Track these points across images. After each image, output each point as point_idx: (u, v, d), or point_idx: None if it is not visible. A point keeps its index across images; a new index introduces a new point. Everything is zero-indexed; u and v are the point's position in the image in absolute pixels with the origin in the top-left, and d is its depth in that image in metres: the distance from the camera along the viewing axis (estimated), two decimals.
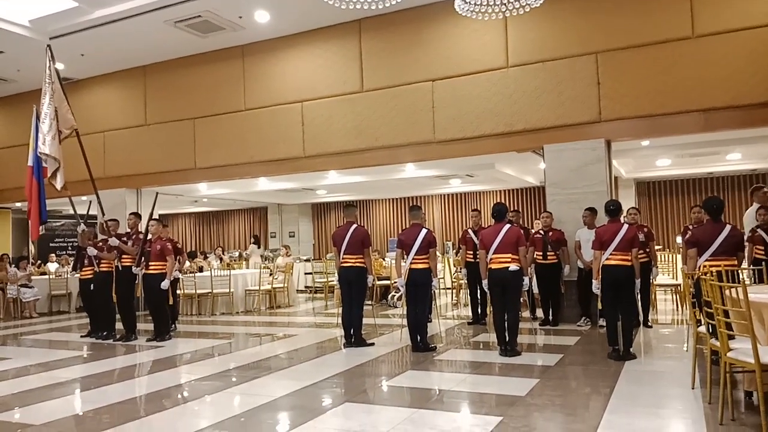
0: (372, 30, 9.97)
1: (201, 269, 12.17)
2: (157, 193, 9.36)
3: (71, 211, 8.95)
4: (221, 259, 13.81)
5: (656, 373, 5.35)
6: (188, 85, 11.55)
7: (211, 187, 13.45)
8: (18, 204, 14.91)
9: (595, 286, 6.11)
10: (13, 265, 12.19)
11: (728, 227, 5.26)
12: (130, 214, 8.93)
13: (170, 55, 11.48)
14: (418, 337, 6.69)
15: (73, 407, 4.96)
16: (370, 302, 10.60)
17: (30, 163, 8.65)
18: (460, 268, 9.62)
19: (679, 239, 11.15)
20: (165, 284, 8.00)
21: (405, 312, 7.00)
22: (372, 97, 9.97)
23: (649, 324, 7.88)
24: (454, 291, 11.92)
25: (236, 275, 11.51)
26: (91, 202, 9.19)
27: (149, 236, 8.17)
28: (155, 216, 8.51)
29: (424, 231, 6.77)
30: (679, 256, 9.14)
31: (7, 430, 4.29)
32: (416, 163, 10.68)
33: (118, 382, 5.86)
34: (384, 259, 12.78)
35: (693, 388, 4.65)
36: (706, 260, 5.19)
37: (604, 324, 6.47)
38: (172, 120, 11.71)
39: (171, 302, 8.54)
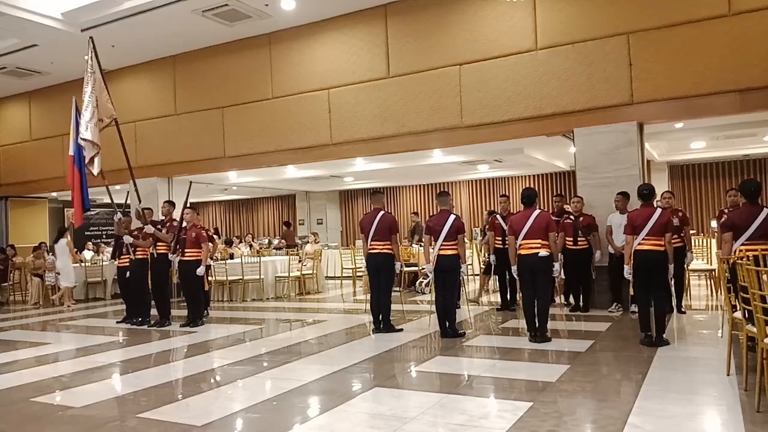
0: (398, 15, 9.90)
1: (232, 256, 12.35)
2: (191, 182, 9.50)
3: (106, 200, 9.16)
4: (251, 246, 13.98)
5: (690, 360, 5.27)
6: (216, 74, 11.66)
7: (240, 175, 13.59)
8: (54, 194, 15.30)
9: (627, 271, 6.02)
10: (51, 254, 12.53)
11: (765, 210, 5.11)
12: (164, 202, 9.10)
13: (198, 44, 11.59)
14: (447, 323, 6.70)
15: (111, 390, 5.09)
16: (398, 288, 10.63)
17: (71, 152, 8.82)
18: (488, 254, 9.57)
19: (714, 223, 10.91)
20: (201, 270, 8.15)
21: (433, 298, 7.00)
22: (398, 82, 9.92)
23: (683, 310, 7.75)
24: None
25: (266, 262, 11.66)
26: (129, 192, 9.37)
27: (184, 224, 8.32)
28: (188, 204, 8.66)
29: (452, 217, 6.74)
30: (714, 241, 8.96)
31: (49, 412, 4.44)
32: (443, 148, 10.63)
33: (153, 366, 6.01)
34: (412, 246, 12.77)
35: (728, 375, 4.57)
36: (743, 244, 5.06)
37: (636, 310, 6.38)
38: (201, 109, 11.85)
39: (207, 288, 8.71)
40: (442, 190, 9.93)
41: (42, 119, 14.09)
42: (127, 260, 8.71)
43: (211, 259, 9.73)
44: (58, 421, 4.21)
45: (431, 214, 11.72)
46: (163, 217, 8.81)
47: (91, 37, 8.77)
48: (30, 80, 13.37)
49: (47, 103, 13.90)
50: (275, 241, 16.09)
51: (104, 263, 12.73)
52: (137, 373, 5.67)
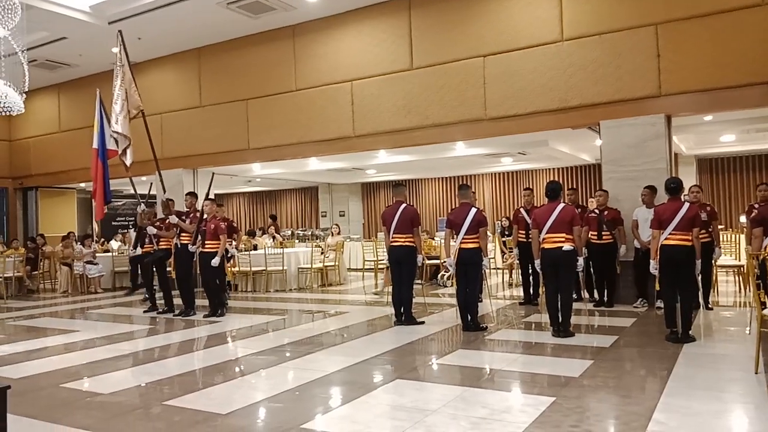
0: (421, 6, 9.84)
1: (255, 247, 12.46)
2: (213, 174, 9.59)
3: (131, 191, 9.29)
4: (274, 238, 14.08)
5: (717, 357, 5.18)
6: (241, 67, 11.73)
7: (264, 167, 13.69)
8: (82, 184, 15.58)
9: (653, 266, 5.93)
10: (79, 243, 12.78)
11: None
12: (187, 194, 9.20)
13: (223, 36, 11.67)
14: (469, 317, 6.68)
15: (138, 378, 5.18)
16: (420, 281, 10.62)
17: (95, 145, 8.97)
18: (511, 248, 9.51)
19: (743, 218, 10.70)
20: (215, 261, 8.16)
21: (455, 291, 6.97)
22: (422, 74, 9.87)
23: (710, 306, 7.62)
24: (506, 271, 11.79)
25: (289, 253, 11.74)
26: (152, 183, 9.49)
27: (205, 216, 8.40)
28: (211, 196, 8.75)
29: (473, 210, 6.71)
30: (743, 236, 8.78)
31: (78, 397, 4.54)
32: (467, 141, 10.56)
33: (178, 355, 6.11)
34: (434, 239, 12.75)
35: (756, 373, 4.48)
36: None
37: (662, 305, 6.29)
38: (225, 101, 11.94)
39: (229, 278, 8.79)
40: (462, 183, 9.88)
41: (71, 111, 14.34)
42: (150, 250, 8.83)
43: (236, 249, 9.83)
44: (86, 406, 4.30)
45: (453, 207, 11.68)
46: (187, 209, 8.91)
47: (120, 31, 8.90)
48: (59, 72, 13.62)
49: (76, 94, 14.14)
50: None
51: (130, 253, 12.91)
52: (162, 361, 5.77)
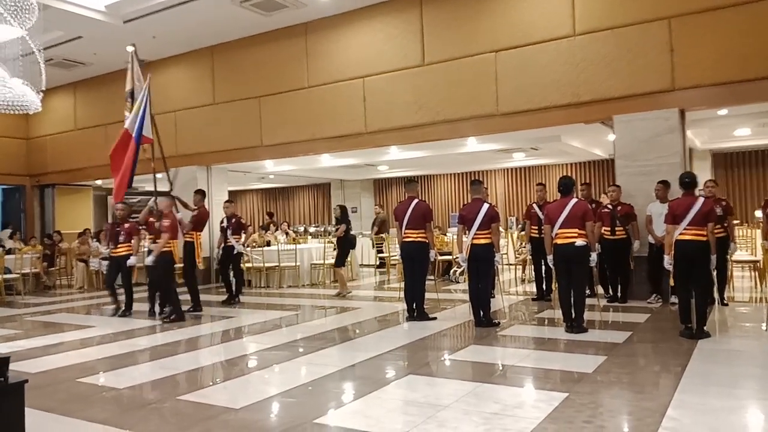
0: (433, 1, 9.81)
1: (269, 243, 12.53)
2: (177, 170, 9.48)
3: (146, 188, 9.34)
4: (287, 234, 14.16)
5: (732, 353, 5.14)
6: (253, 64, 11.77)
7: (276, 163, 13.74)
8: (98, 182, 15.73)
9: (667, 262, 5.89)
10: (95, 240, 12.91)
11: None
12: (195, 191, 9.30)
13: (236, 34, 11.72)
14: (481, 313, 6.67)
15: (153, 373, 5.24)
16: (432, 277, 10.63)
17: (128, 125, 8.61)
18: (524, 244, 9.48)
19: (758, 213, 10.58)
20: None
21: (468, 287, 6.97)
22: (433, 70, 9.85)
23: (725, 302, 7.55)
24: (520, 267, 11.75)
25: (302, 250, 11.79)
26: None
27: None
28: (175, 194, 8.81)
29: (486, 206, 6.69)
30: (759, 231, 8.69)
31: (94, 392, 4.61)
32: (479, 136, 10.53)
33: (192, 350, 6.17)
34: (445, 235, 12.74)
35: None
36: None
37: (676, 301, 6.25)
38: (238, 99, 11.99)
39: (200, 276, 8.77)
40: (475, 178, 9.85)
41: (87, 109, 14.48)
42: (124, 250, 8.71)
43: (243, 246, 9.88)
44: (102, 401, 4.36)
45: (465, 202, 11.64)
46: (195, 206, 9.02)
47: (134, 49, 8.89)
48: (75, 71, 13.74)
49: (91, 92, 14.27)
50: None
51: (143, 249, 12.99)
52: (176, 356, 5.82)
